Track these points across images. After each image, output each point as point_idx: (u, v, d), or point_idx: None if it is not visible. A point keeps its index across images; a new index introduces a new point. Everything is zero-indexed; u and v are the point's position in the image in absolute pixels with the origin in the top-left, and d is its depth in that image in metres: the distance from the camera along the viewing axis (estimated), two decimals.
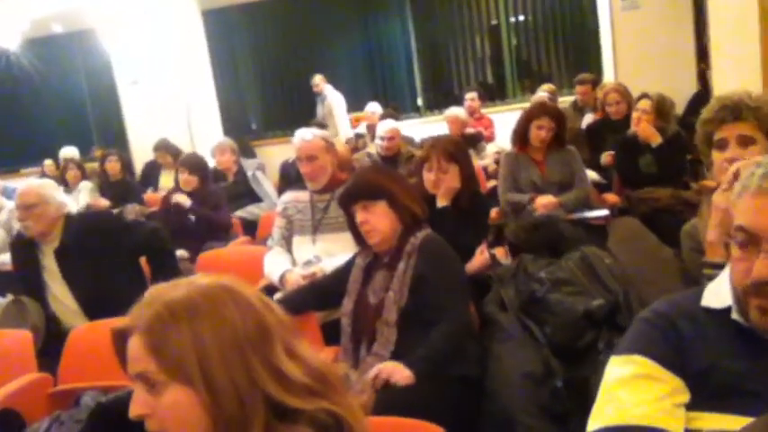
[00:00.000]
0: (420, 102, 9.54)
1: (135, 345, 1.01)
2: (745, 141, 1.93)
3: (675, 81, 6.46)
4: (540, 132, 3.81)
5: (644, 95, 4.31)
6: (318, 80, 8.32)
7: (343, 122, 8.19)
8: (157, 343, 0.99)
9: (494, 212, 3.74)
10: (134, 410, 1.01)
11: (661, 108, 4.13)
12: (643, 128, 4.12)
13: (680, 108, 6.07)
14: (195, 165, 4.61)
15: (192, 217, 4.41)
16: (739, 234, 1.13)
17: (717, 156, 1.95)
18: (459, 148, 3.17)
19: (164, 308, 1.01)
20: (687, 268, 2.04)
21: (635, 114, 4.26)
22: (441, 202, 2.98)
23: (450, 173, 2.98)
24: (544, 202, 3.66)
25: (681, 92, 6.29)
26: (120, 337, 1.05)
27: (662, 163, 4.06)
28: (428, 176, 3.03)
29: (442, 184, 2.98)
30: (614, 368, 1.19)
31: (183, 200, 4.36)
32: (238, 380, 0.99)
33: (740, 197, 1.15)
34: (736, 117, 1.92)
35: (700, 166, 4.59)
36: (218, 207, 4.50)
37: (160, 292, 1.05)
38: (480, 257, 2.84)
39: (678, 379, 1.14)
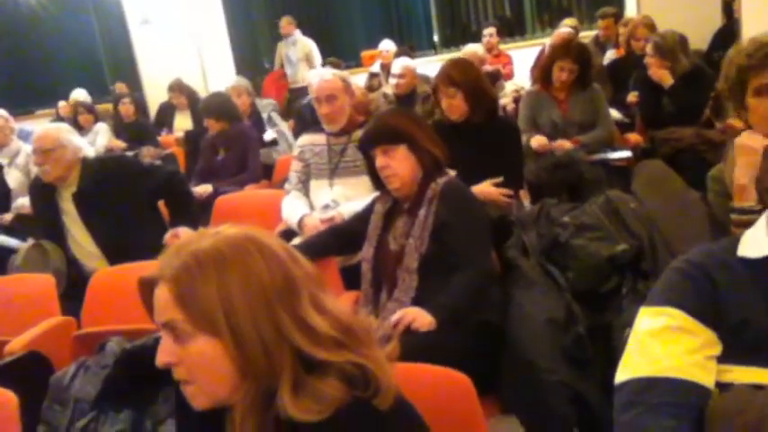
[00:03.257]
0: (436, 38, 9.33)
1: (162, 294, 1.01)
2: None
3: (700, 15, 6.23)
4: (561, 74, 3.73)
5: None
6: (287, 22, 8.08)
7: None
8: (185, 293, 0.99)
9: None
10: (161, 359, 1.02)
11: (662, 48, 3.96)
12: (653, 71, 4.00)
13: (704, 43, 5.91)
14: (218, 110, 4.55)
15: (220, 156, 4.41)
16: None
17: (758, 102, 1.86)
18: (461, 68, 3.08)
19: (191, 258, 1.01)
20: (714, 213, 1.99)
21: (646, 58, 4.14)
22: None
23: (457, 97, 3.00)
24: (538, 144, 3.64)
25: (706, 26, 6.09)
26: (148, 286, 1.05)
27: (678, 102, 3.95)
28: (443, 104, 3.05)
29: (455, 110, 3.02)
30: (646, 319, 1.17)
31: (203, 190, 4.17)
32: (265, 332, 0.99)
33: None
34: None
35: (724, 103, 4.48)
36: (247, 149, 4.46)
37: (187, 242, 1.05)
38: (495, 190, 2.88)
39: (711, 331, 1.12)
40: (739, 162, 1.79)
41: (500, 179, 2.93)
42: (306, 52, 8.03)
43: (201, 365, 1.00)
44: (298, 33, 8.16)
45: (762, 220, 1.20)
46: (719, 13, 6.60)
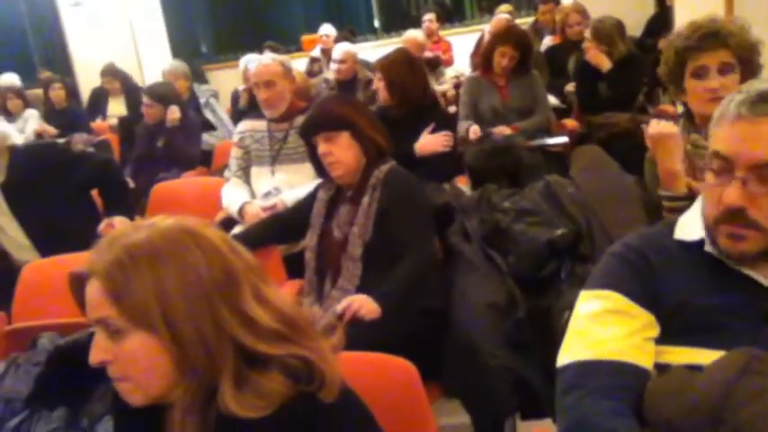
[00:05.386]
0: (377, 23, 9.29)
1: (94, 290, 0.97)
2: (725, 69, 1.87)
3: (633, 2, 6.37)
4: (502, 60, 3.76)
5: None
6: None
7: None
8: (118, 289, 0.95)
9: None
10: (95, 356, 0.98)
11: (600, 32, 4.04)
12: (591, 56, 4.07)
13: (637, 30, 6.05)
14: (162, 96, 4.44)
15: (160, 144, 4.29)
16: (715, 160, 1.12)
17: (695, 84, 1.90)
18: (390, 61, 3.24)
19: (124, 252, 0.97)
20: (649, 195, 2.03)
21: (584, 43, 4.22)
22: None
23: (381, 84, 3.22)
24: (474, 134, 3.69)
25: (639, 13, 6.24)
26: (78, 282, 1.01)
27: (615, 87, 4.03)
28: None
29: (380, 94, 3.29)
30: (585, 303, 1.19)
31: (174, 115, 4.26)
32: (204, 327, 0.96)
33: (718, 125, 1.14)
34: (717, 44, 1.88)
35: (657, 89, 4.61)
36: (190, 137, 4.40)
37: (120, 235, 1.00)
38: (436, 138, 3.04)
39: (649, 314, 1.15)
40: (661, 152, 1.81)
41: (432, 126, 3.09)
42: None
43: (137, 362, 0.97)
44: None
45: (696, 205, 1.24)
46: (652, 1, 6.78)
